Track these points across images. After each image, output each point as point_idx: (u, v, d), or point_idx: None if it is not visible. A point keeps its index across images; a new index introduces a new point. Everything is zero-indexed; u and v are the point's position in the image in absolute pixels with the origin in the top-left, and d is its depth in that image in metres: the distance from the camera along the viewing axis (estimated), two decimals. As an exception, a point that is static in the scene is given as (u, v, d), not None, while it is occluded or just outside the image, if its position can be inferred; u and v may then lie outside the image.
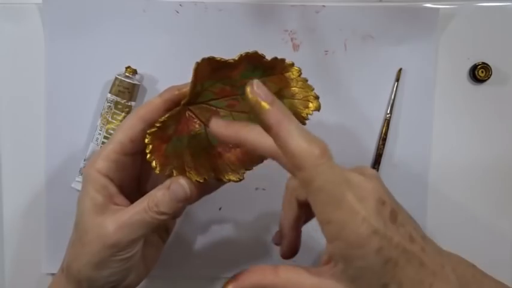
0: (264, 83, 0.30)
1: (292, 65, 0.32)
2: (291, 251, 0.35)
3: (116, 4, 0.43)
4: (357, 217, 0.25)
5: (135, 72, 0.42)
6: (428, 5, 0.43)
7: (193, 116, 0.33)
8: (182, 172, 0.31)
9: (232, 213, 0.44)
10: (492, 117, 0.44)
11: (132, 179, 0.34)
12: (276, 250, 0.45)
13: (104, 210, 0.31)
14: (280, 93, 0.33)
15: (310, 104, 0.33)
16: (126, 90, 0.41)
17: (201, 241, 0.44)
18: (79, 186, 0.42)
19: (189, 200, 0.32)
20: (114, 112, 0.42)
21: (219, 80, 0.32)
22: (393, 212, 0.26)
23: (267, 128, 0.26)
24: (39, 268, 0.44)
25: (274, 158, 0.28)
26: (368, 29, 0.43)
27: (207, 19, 0.43)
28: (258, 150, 0.28)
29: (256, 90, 0.26)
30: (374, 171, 0.28)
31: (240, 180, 0.33)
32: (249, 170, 0.33)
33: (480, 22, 0.43)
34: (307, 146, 0.25)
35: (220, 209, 0.44)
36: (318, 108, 0.33)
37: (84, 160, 0.42)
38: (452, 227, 0.45)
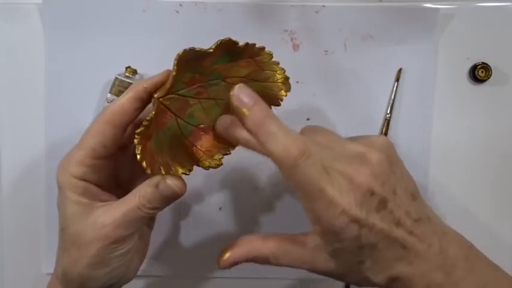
0: (233, 67, 0.32)
1: (263, 49, 0.33)
2: None
3: (116, 4, 0.43)
4: (335, 209, 0.27)
5: (135, 72, 0.42)
6: (428, 5, 0.43)
7: (165, 107, 0.32)
8: (168, 168, 0.31)
9: (232, 213, 0.44)
10: (492, 117, 0.44)
11: (109, 176, 0.34)
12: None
13: (91, 210, 0.31)
14: (252, 76, 0.33)
15: (282, 86, 0.34)
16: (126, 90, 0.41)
17: (201, 241, 0.44)
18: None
19: (178, 197, 0.32)
20: (114, 112, 0.42)
21: (191, 70, 0.32)
22: (382, 201, 0.27)
23: (250, 132, 0.29)
24: (39, 268, 0.44)
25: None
26: (368, 29, 0.43)
27: (207, 19, 0.43)
28: (252, 148, 0.30)
29: (238, 95, 0.28)
30: (380, 150, 0.29)
31: (219, 165, 0.33)
32: (227, 154, 0.34)
33: (480, 22, 0.43)
34: (284, 149, 0.27)
35: (220, 209, 0.44)
36: (288, 90, 0.34)
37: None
38: (452, 224, 0.44)
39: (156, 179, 0.31)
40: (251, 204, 0.44)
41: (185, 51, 0.30)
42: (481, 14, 0.43)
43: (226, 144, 0.34)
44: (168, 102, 0.32)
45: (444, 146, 0.44)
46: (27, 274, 0.45)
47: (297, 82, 0.43)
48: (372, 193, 0.27)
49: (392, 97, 0.43)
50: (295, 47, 0.43)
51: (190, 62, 0.31)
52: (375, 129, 0.44)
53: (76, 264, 0.31)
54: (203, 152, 0.33)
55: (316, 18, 0.43)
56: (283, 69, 0.33)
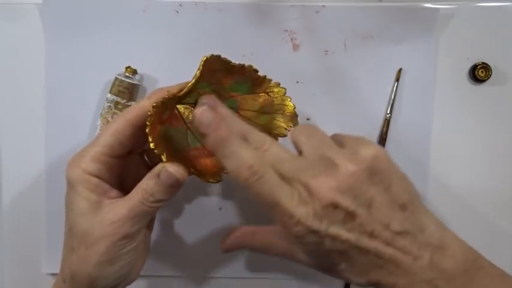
0: (248, 100, 0.34)
1: (278, 85, 0.34)
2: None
3: (116, 4, 0.43)
4: (291, 220, 0.27)
5: (135, 72, 0.42)
6: (428, 5, 0.43)
7: (179, 114, 0.33)
8: (170, 158, 0.32)
9: (232, 213, 0.44)
10: (492, 117, 0.44)
11: (117, 177, 0.35)
12: (276, 250, 0.45)
13: (100, 207, 0.31)
14: (264, 109, 0.35)
15: (291, 119, 0.35)
16: (126, 90, 0.41)
17: (201, 241, 0.44)
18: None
19: (180, 185, 0.32)
20: (114, 112, 0.42)
21: (211, 84, 0.32)
22: (350, 214, 0.27)
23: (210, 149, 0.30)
24: (39, 268, 0.44)
25: None
26: (368, 29, 0.43)
27: (207, 19, 0.43)
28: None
29: (199, 115, 0.29)
30: (360, 161, 0.28)
31: (219, 181, 0.35)
32: (227, 173, 0.34)
33: (480, 22, 0.43)
34: (235, 170, 0.28)
35: (220, 209, 0.44)
36: (296, 124, 0.36)
37: (84, 160, 0.43)
38: (452, 225, 0.44)
39: (157, 169, 0.32)
40: (251, 204, 0.44)
41: (212, 56, 0.31)
42: (481, 14, 0.43)
43: None
44: (183, 110, 0.33)
45: (444, 146, 0.44)
46: (27, 274, 0.45)
47: (297, 82, 0.43)
48: (336, 206, 0.27)
49: (392, 97, 0.43)
50: (295, 47, 0.43)
51: (212, 73, 0.32)
52: (375, 129, 0.44)
53: (85, 264, 0.31)
54: (205, 167, 0.34)
55: (316, 18, 0.43)
56: (293, 104, 0.35)
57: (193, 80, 0.31)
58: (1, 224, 0.44)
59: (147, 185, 0.31)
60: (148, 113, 0.30)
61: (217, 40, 0.43)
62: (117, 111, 0.42)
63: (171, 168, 0.31)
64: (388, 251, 0.27)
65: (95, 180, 0.32)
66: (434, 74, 0.43)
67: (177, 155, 0.33)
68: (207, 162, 0.34)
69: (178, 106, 0.33)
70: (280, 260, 0.42)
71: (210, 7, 0.43)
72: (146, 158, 0.38)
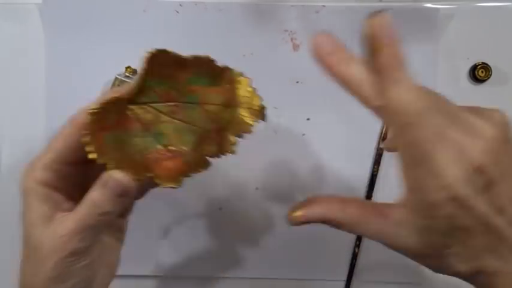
0: (211, 93, 0.31)
1: (241, 74, 0.31)
2: None
3: (116, 4, 0.43)
4: (440, 181, 0.24)
5: (135, 72, 0.42)
6: (428, 5, 0.43)
7: (134, 116, 0.31)
8: (119, 166, 0.29)
9: (232, 213, 0.44)
10: (492, 117, 0.44)
11: (76, 186, 0.32)
12: (277, 251, 0.45)
13: (52, 220, 0.29)
14: (229, 103, 0.32)
15: (257, 114, 0.32)
16: (126, 90, 0.41)
17: (201, 241, 0.44)
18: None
19: (129, 193, 0.29)
20: (114, 112, 0.42)
21: (166, 81, 0.31)
22: (490, 182, 0.24)
23: (375, 71, 0.25)
24: (39, 268, 0.44)
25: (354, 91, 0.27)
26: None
27: (207, 19, 0.43)
28: (353, 91, 0.27)
29: (379, 24, 0.25)
30: (497, 125, 0.25)
31: (179, 186, 0.31)
32: (188, 177, 0.31)
33: (480, 22, 0.43)
34: (407, 101, 0.24)
35: (220, 209, 0.44)
36: (263, 118, 0.32)
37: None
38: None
39: (103, 178, 0.29)
40: (251, 204, 0.44)
41: (158, 50, 0.28)
42: (481, 14, 0.43)
43: (195, 170, 0.31)
44: (140, 111, 0.31)
45: (444, 146, 0.44)
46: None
47: (297, 82, 0.43)
48: (482, 171, 0.24)
49: (393, 97, 0.43)
50: (295, 47, 0.43)
51: (165, 69, 0.30)
52: (375, 129, 0.44)
53: (35, 278, 0.29)
54: (165, 170, 0.31)
55: (316, 18, 0.43)
56: (260, 97, 0.32)
57: (138, 79, 0.29)
58: (1, 224, 0.44)
59: (94, 196, 0.29)
60: (85, 122, 0.28)
61: (217, 40, 0.43)
62: (117, 111, 0.42)
63: (117, 175, 0.28)
64: (509, 231, 0.25)
65: (46, 190, 0.30)
66: (435, 74, 0.43)
67: (132, 161, 0.30)
68: (168, 165, 0.31)
69: (132, 107, 0.30)
70: (280, 260, 0.42)
71: (210, 7, 0.43)
72: None
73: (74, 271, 0.29)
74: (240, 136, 0.31)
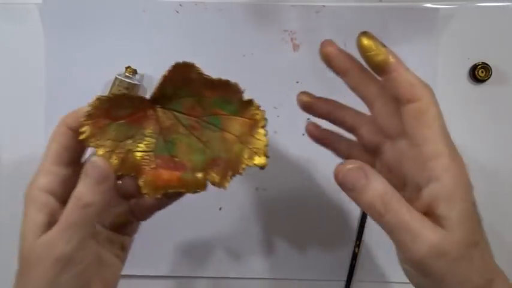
0: (233, 122, 0.31)
1: (263, 117, 0.31)
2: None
3: (116, 4, 0.43)
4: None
5: (135, 72, 0.42)
6: (428, 5, 0.43)
7: (155, 117, 0.31)
8: (106, 154, 0.29)
9: (232, 213, 0.44)
10: (492, 117, 0.44)
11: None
12: (277, 251, 0.45)
13: (46, 229, 0.28)
14: (243, 138, 0.31)
15: (256, 158, 0.31)
16: (126, 90, 0.41)
17: (201, 241, 0.44)
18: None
19: (108, 180, 0.28)
20: (114, 112, 0.42)
21: (193, 95, 0.31)
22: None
23: (384, 64, 0.28)
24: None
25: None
26: (368, 29, 0.43)
27: (207, 19, 0.43)
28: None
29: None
30: None
31: (155, 196, 0.30)
32: (167, 193, 0.31)
33: (480, 22, 0.43)
34: (423, 83, 0.28)
35: (220, 209, 0.44)
36: (262, 166, 0.30)
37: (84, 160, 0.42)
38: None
39: (84, 168, 0.28)
40: (251, 204, 0.44)
41: (185, 63, 0.29)
42: (481, 14, 0.43)
43: (188, 189, 0.31)
44: (161, 114, 0.31)
45: (444, 146, 0.44)
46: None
47: (297, 82, 0.43)
48: None
49: (393, 97, 0.43)
50: (295, 47, 0.43)
51: (188, 82, 0.30)
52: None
53: None
54: (154, 178, 0.31)
55: (316, 18, 0.43)
56: (266, 140, 0.31)
57: (158, 85, 0.30)
58: (1, 224, 0.44)
59: (76, 189, 0.28)
60: (89, 103, 0.28)
61: (217, 40, 0.43)
62: (117, 111, 0.42)
63: (96, 160, 0.28)
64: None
65: (44, 197, 0.29)
66: (435, 74, 0.43)
67: (123, 155, 0.30)
68: (163, 174, 0.31)
69: (157, 108, 0.31)
70: (280, 260, 0.42)
71: (210, 7, 0.43)
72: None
73: (67, 280, 0.28)
74: (234, 175, 0.30)
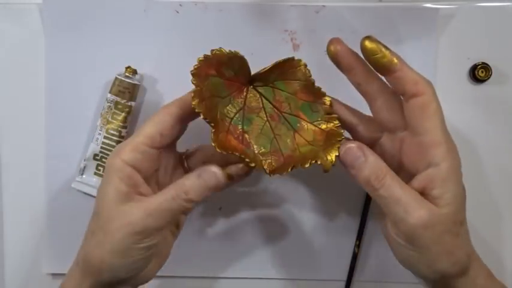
0: (309, 127, 0.34)
1: (340, 133, 0.34)
2: None
3: (116, 4, 0.43)
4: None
5: (135, 72, 0.42)
6: (428, 5, 0.43)
7: (245, 93, 0.34)
8: (199, 95, 0.31)
9: (232, 213, 0.44)
10: (492, 117, 0.44)
11: (154, 171, 0.35)
12: (277, 251, 0.45)
13: (128, 199, 0.31)
14: (313, 141, 0.34)
15: (326, 158, 0.33)
16: (126, 90, 0.41)
17: (201, 241, 0.44)
18: (79, 187, 0.43)
19: (220, 188, 0.32)
20: (114, 112, 0.42)
21: (289, 92, 0.34)
22: None
23: (390, 65, 0.31)
24: (39, 268, 0.44)
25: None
26: (368, 29, 0.43)
27: (207, 19, 0.43)
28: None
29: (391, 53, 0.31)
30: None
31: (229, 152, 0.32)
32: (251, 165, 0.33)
33: (480, 22, 0.43)
34: (426, 80, 0.31)
35: (220, 209, 0.44)
36: (326, 170, 0.33)
37: (84, 160, 0.42)
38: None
39: (199, 170, 0.32)
40: (251, 204, 0.44)
41: (303, 62, 0.33)
42: (481, 14, 0.43)
43: (247, 164, 0.33)
44: (251, 94, 0.34)
45: (444, 146, 0.44)
46: (28, 274, 0.45)
47: (297, 82, 0.43)
48: None
49: (393, 97, 0.43)
50: (295, 47, 0.43)
51: (292, 75, 0.34)
52: (375, 129, 0.44)
53: (99, 249, 0.31)
54: (226, 141, 0.33)
55: (316, 18, 0.43)
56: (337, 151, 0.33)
57: (269, 67, 0.33)
58: (1, 224, 0.44)
59: (186, 182, 0.31)
60: (198, 59, 0.31)
61: (218, 40, 0.43)
62: (117, 111, 0.42)
63: (214, 169, 0.32)
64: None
65: (129, 170, 0.32)
66: (435, 74, 0.43)
67: (210, 107, 0.32)
68: (231, 141, 0.33)
69: (251, 88, 0.34)
70: (280, 260, 0.42)
71: (210, 7, 0.43)
72: (186, 165, 0.38)
73: (137, 249, 0.31)
74: (295, 168, 0.33)
